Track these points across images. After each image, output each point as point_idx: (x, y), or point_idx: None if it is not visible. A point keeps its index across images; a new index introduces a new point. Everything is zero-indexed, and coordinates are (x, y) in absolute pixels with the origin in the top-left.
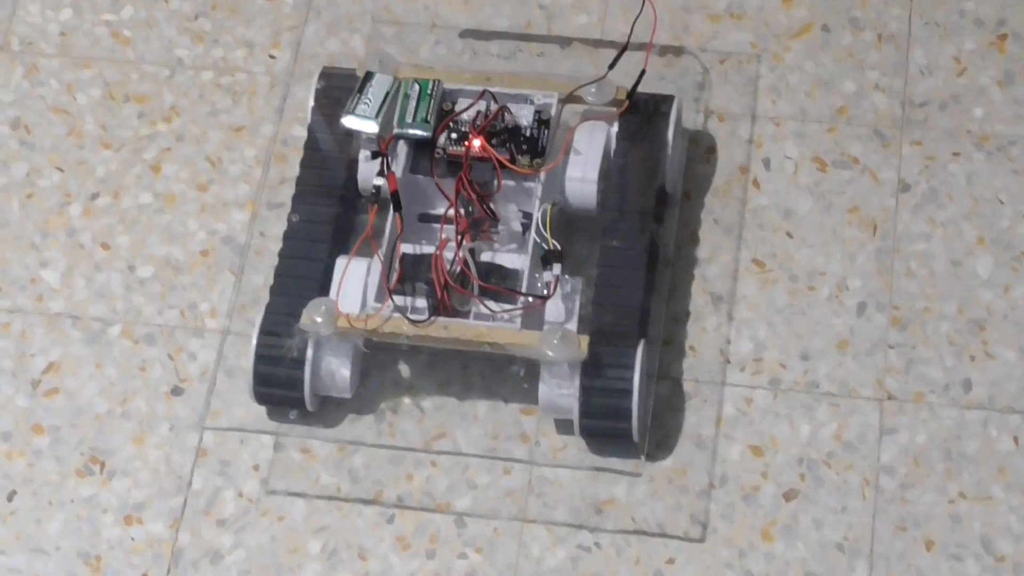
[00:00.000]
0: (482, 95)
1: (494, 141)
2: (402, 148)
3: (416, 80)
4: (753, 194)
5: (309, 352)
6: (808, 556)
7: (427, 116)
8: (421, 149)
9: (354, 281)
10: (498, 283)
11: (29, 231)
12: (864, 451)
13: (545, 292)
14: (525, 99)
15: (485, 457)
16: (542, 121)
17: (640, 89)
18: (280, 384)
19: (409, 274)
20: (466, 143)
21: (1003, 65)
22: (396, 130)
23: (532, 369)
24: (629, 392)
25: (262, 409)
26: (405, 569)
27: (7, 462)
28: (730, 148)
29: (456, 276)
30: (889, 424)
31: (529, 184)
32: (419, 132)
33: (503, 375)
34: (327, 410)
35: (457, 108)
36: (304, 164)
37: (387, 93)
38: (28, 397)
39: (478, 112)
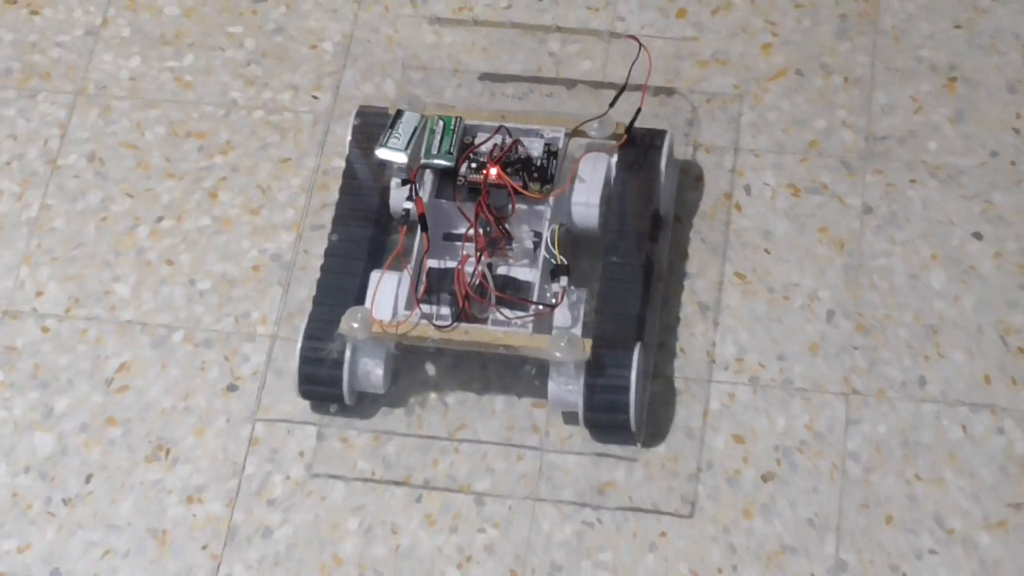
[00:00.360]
0: (498, 130)
1: (509, 170)
2: (428, 176)
3: (440, 117)
4: (736, 216)
5: (347, 354)
6: (783, 531)
7: (450, 148)
8: (445, 177)
9: (386, 292)
10: (512, 294)
11: (103, 250)
12: (832, 440)
13: (553, 301)
14: (536, 133)
15: (501, 445)
16: (551, 153)
17: (637, 125)
18: (322, 382)
19: (435, 286)
20: (484, 172)
21: (954, 105)
22: (423, 160)
23: (542, 369)
24: (627, 389)
25: (306, 404)
26: (432, 543)
27: (85, 450)
28: (716, 177)
29: (476, 287)
30: (854, 416)
31: (539, 208)
32: (443, 162)
33: (517, 374)
34: (363, 404)
35: (476, 141)
36: (343, 191)
37: (415, 128)
38: (103, 394)
39: (495, 145)
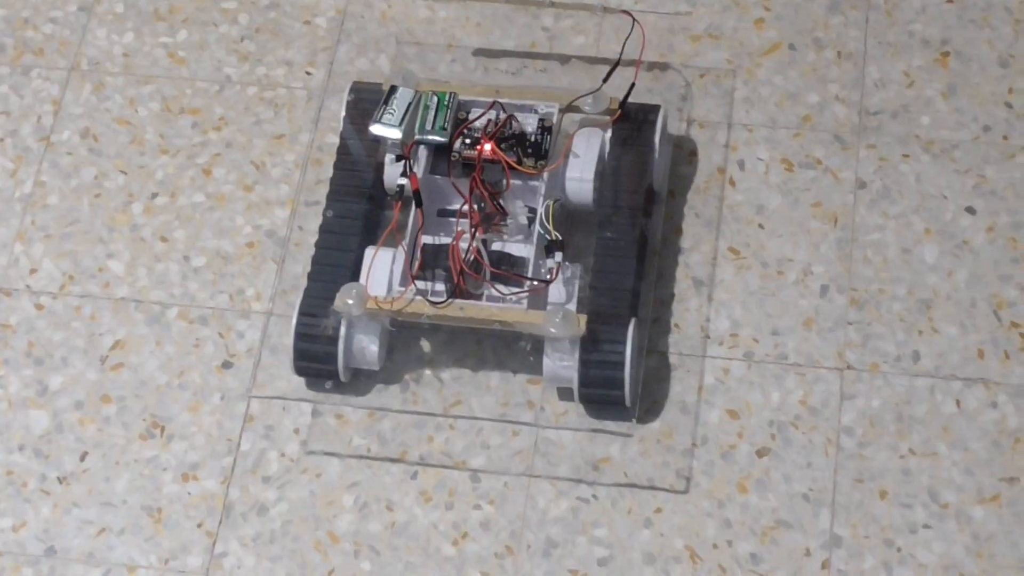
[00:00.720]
0: (492, 105)
1: (503, 146)
2: (423, 152)
3: (435, 93)
4: (729, 191)
5: (342, 330)
6: (779, 506)
7: (444, 124)
8: (439, 153)
9: (381, 268)
10: (507, 269)
11: (98, 227)
12: (827, 415)
13: (548, 277)
14: (530, 109)
15: (496, 421)
16: (545, 128)
17: (630, 100)
18: (317, 359)
19: (429, 262)
20: (478, 147)
21: (946, 79)
22: (417, 136)
23: (537, 344)
24: (622, 364)
25: (301, 380)
26: (427, 519)
27: (80, 427)
28: (709, 152)
29: (470, 263)
30: (849, 391)
31: (534, 183)
32: (437, 138)
33: (512, 350)
34: (358, 381)
35: (471, 117)
36: (337, 167)
37: (409, 104)
38: (98, 371)
39: (489, 120)
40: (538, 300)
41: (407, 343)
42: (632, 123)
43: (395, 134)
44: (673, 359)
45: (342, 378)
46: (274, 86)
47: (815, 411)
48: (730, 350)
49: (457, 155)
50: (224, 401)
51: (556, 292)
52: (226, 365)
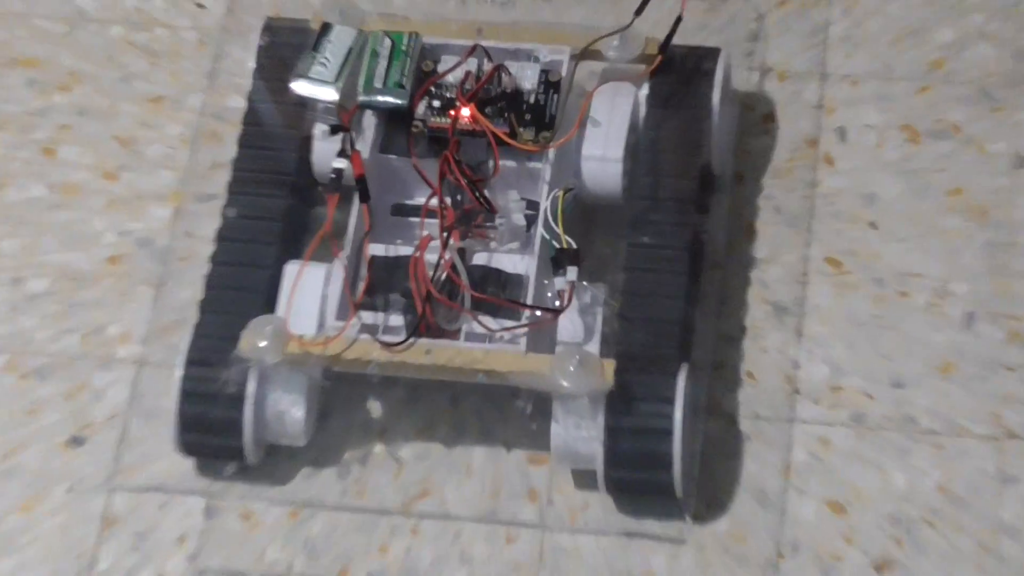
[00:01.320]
0: (472, 50)
1: (488, 110)
2: (369, 121)
3: (387, 33)
4: (825, 174)
5: (251, 387)
6: None
7: (402, 79)
8: (395, 122)
9: (309, 293)
10: (496, 293)
11: None
12: (978, 507)
13: (557, 303)
14: (528, 56)
15: (482, 521)
16: (550, 83)
17: (676, 40)
18: (213, 429)
19: (380, 283)
20: (453, 113)
21: None
22: (362, 98)
23: (541, 405)
24: (669, 433)
25: (189, 463)
26: None
27: None
28: (793, 115)
29: (441, 285)
30: (1010, 471)
31: (535, 164)
32: (392, 100)
33: (504, 413)
34: (275, 462)
35: (440, 68)
36: (243, 143)
37: (350, 50)
38: None
39: (467, 73)
40: (543, 338)
41: (348, 405)
42: (679, 74)
43: (329, 94)
44: (746, 424)
45: (250, 459)
46: (149, 25)
47: (960, 502)
48: (830, 411)
49: (421, 125)
50: (72, 495)
51: (569, 326)
52: (75, 441)
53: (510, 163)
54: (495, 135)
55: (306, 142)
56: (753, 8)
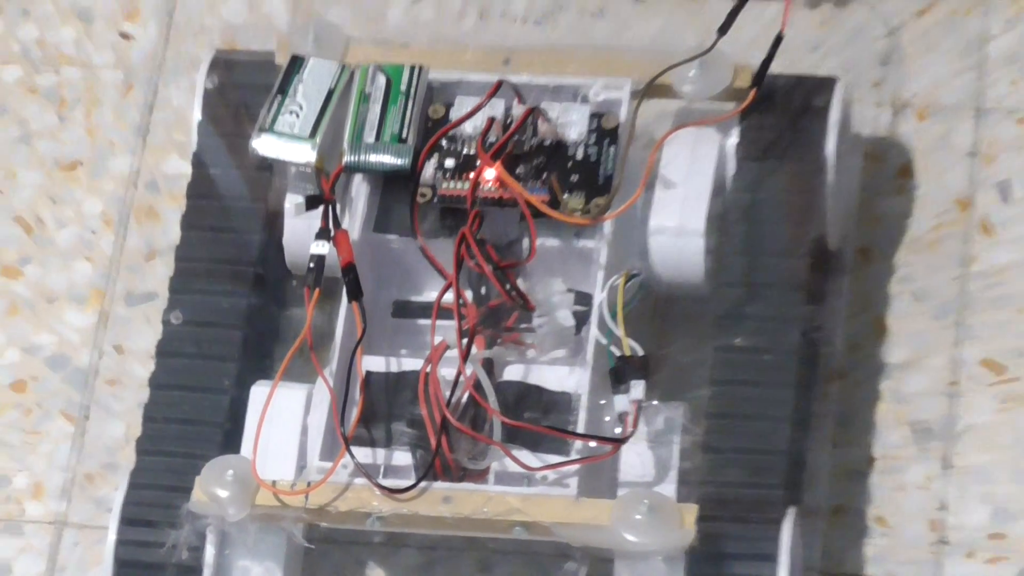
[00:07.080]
0: (497, 88)
1: (520, 170)
2: (360, 189)
3: (381, 67)
4: (982, 246)
5: (209, 552)
6: None
7: (402, 131)
8: (394, 189)
9: (283, 424)
10: (535, 419)
11: None
12: None
13: (619, 431)
14: (573, 94)
15: None
16: (604, 131)
17: (775, 68)
18: None
19: (379, 409)
20: (473, 175)
21: None
22: (348, 158)
23: (599, 567)
24: None
25: None
26: None
27: None
28: (939, 166)
29: (462, 409)
30: None
31: (585, 243)
32: (389, 160)
33: None
34: None
35: (454, 114)
36: (188, 224)
37: (330, 92)
38: None
39: (491, 120)
40: (599, 478)
41: (340, 574)
42: (780, 115)
43: (304, 154)
44: None
45: None
46: (56, 63)
47: None
48: (990, 566)
49: (430, 192)
50: None
51: (636, 461)
52: None
53: (552, 242)
54: (530, 204)
55: (274, 220)
56: (882, 19)
